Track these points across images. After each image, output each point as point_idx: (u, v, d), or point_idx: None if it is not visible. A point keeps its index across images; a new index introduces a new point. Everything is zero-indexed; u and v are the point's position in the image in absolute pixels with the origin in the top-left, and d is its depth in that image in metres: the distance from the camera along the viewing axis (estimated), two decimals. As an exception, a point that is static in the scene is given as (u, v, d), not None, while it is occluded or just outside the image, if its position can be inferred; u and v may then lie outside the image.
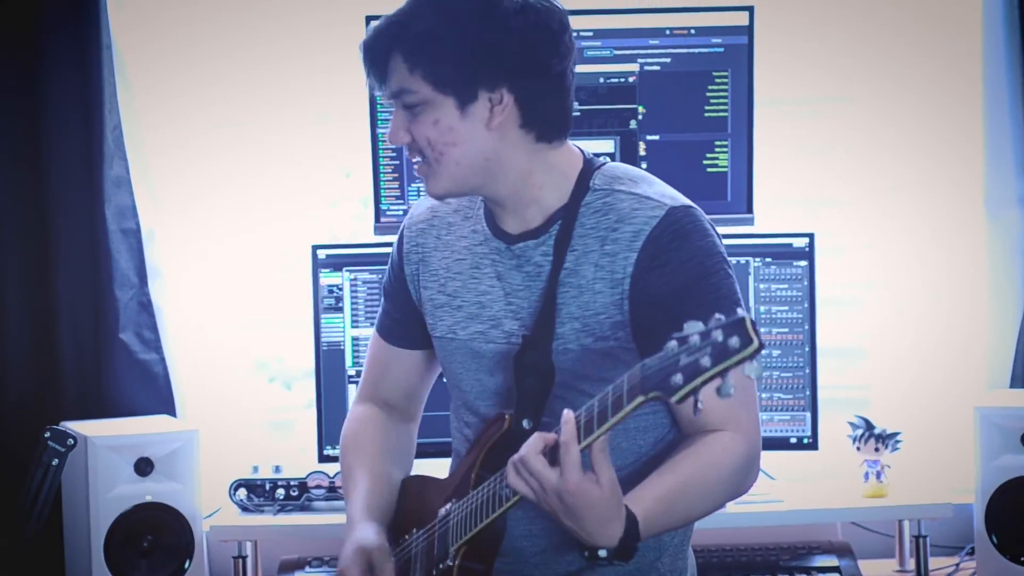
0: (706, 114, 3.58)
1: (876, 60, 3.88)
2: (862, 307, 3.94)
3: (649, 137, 3.58)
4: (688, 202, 2.27)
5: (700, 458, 2.18)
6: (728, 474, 2.21)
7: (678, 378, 1.87)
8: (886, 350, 3.89)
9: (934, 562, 3.53)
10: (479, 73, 2.21)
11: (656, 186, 2.29)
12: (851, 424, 3.60)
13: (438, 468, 2.55)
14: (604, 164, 2.33)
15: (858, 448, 3.58)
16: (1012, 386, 3.75)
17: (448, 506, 2.33)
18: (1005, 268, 3.81)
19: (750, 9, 3.57)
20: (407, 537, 2.43)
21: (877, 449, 3.56)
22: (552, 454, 2.04)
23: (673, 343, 1.89)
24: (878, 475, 3.55)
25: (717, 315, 1.85)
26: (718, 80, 3.58)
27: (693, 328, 1.88)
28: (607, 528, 2.06)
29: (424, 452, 2.66)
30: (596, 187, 2.28)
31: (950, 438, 3.72)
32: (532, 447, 2.05)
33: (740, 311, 1.84)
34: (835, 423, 3.63)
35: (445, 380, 2.49)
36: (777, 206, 3.82)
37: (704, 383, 1.85)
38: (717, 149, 3.59)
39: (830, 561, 3.46)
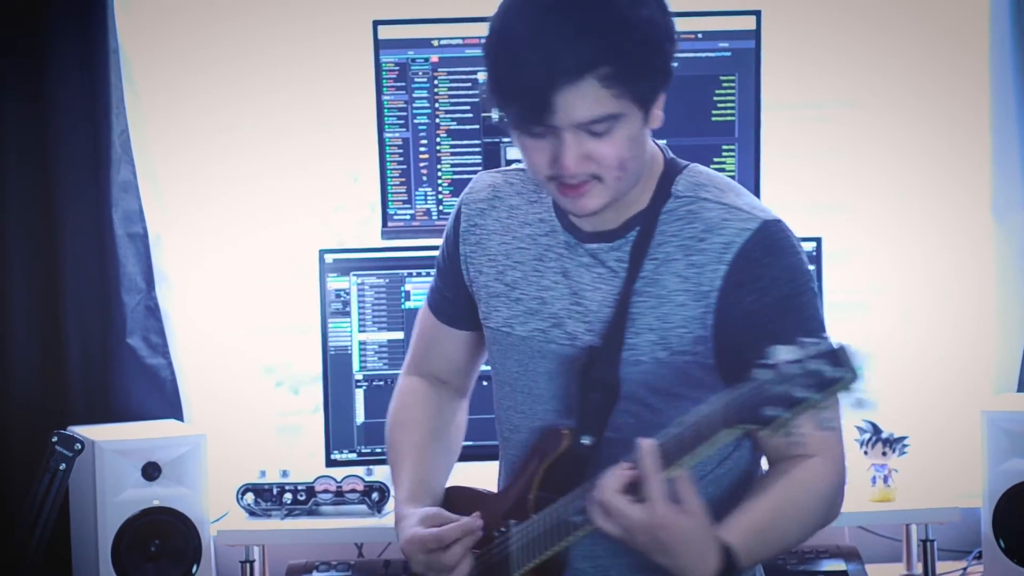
0: (713, 118, 3.58)
1: (883, 64, 3.88)
2: (869, 311, 3.93)
3: (656, 141, 3.56)
4: (778, 216, 2.19)
5: (793, 485, 2.10)
6: (820, 500, 2.14)
7: (770, 409, 1.80)
8: (893, 354, 3.88)
9: (941, 566, 3.53)
10: (666, 80, 2.08)
11: (745, 196, 2.19)
12: (858, 428, 3.60)
13: (480, 471, 2.48)
14: (687, 167, 2.22)
15: (865, 452, 3.58)
16: (1019, 390, 3.74)
17: (505, 529, 2.22)
18: (1012, 272, 3.81)
19: (757, 13, 3.57)
20: None
21: (884, 453, 3.56)
22: (632, 487, 1.95)
23: (764, 372, 1.82)
24: (885, 479, 3.55)
25: (808, 340, 1.79)
26: (725, 84, 3.58)
27: (781, 355, 1.81)
28: (704, 560, 1.96)
29: (465, 456, 2.52)
30: (679, 194, 2.17)
31: (957, 442, 3.72)
32: (611, 487, 1.95)
33: (835, 341, 1.78)
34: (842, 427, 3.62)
35: (493, 375, 2.33)
36: (784, 210, 3.75)
37: (797, 415, 1.79)
38: (724, 153, 3.59)
39: (838, 565, 3.46)
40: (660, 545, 1.94)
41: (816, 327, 2.09)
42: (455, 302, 2.38)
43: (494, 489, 2.38)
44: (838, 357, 1.77)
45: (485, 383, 2.40)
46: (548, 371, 2.23)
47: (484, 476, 2.45)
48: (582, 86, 1.99)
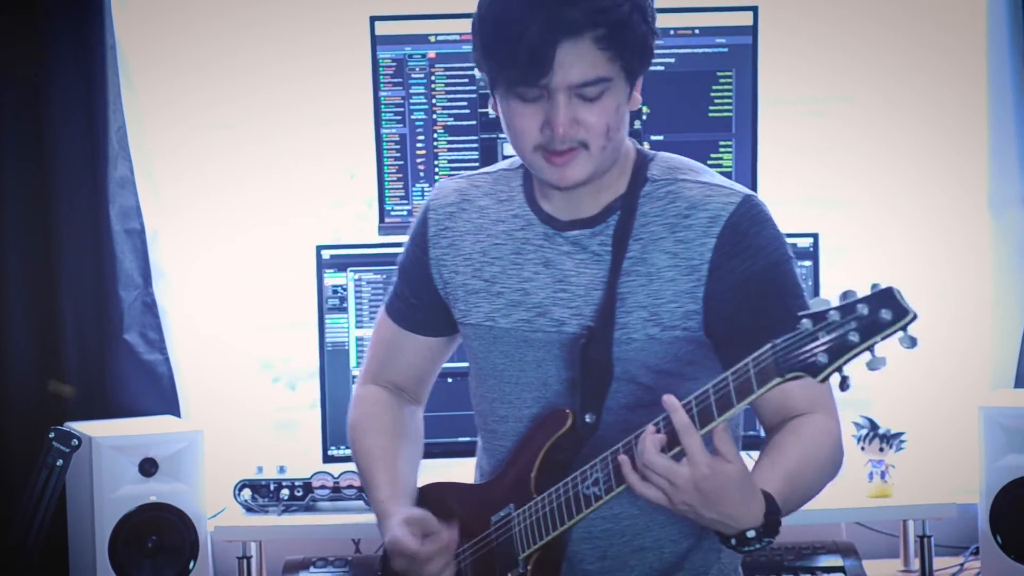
0: (710, 114, 3.59)
1: (880, 60, 3.88)
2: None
3: (653, 137, 3.58)
4: (753, 192, 2.25)
5: (806, 439, 2.13)
6: (830, 454, 2.18)
7: (823, 357, 1.85)
8: (890, 350, 3.87)
9: (938, 562, 3.53)
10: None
11: (718, 176, 2.26)
12: (855, 424, 3.60)
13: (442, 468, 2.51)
14: (656, 154, 2.28)
15: (862, 448, 3.58)
16: (1016, 386, 3.74)
17: (504, 512, 2.26)
18: (1009, 268, 3.81)
19: (754, 9, 3.57)
20: None
21: (881, 449, 3.56)
22: (665, 448, 1.98)
23: (806, 321, 1.86)
24: (882, 475, 3.55)
25: (848, 291, 1.84)
26: (722, 80, 3.58)
27: (823, 305, 1.85)
28: (750, 505, 1.99)
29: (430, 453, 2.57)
30: (655, 177, 2.23)
31: (954, 438, 3.72)
32: (651, 448, 1.97)
33: (882, 284, 1.83)
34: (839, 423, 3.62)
35: (474, 370, 2.37)
36: (781, 206, 3.77)
37: (851, 359, 1.84)
38: (721, 149, 3.59)
39: (835, 561, 3.46)
40: (705, 499, 1.96)
41: (800, 292, 2.17)
42: (421, 308, 2.42)
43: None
44: (891, 299, 1.82)
45: (451, 380, 2.42)
46: (536, 359, 2.27)
47: (449, 474, 2.48)
48: (580, 44, 2.06)
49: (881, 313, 1.82)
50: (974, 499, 3.49)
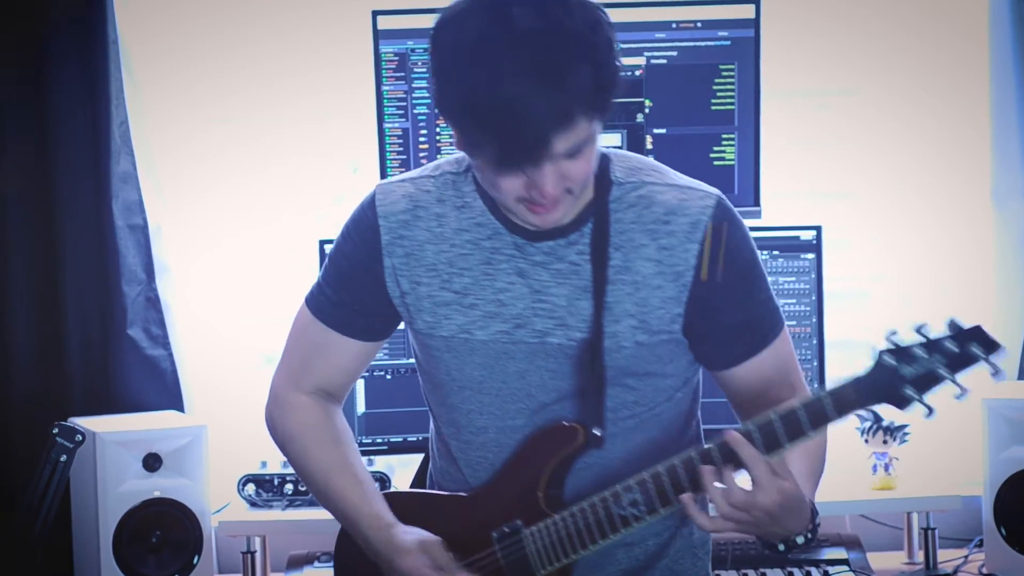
0: (713, 107, 3.59)
1: (882, 52, 3.88)
2: (869, 300, 3.93)
3: (656, 131, 3.58)
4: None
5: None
6: (824, 440, 2.30)
7: (909, 390, 2.05)
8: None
9: (943, 554, 3.53)
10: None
11: (679, 175, 2.29)
12: (859, 416, 3.57)
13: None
14: (613, 152, 2.29)
15: (866, 441, 3.58)
16: (1020, 378, 3.74)
17: (509, 529, 2.25)
18: (1012, 260, 3.81)
19: (756, 2, 3.57)
20: None
21: (885, 442, 3.56)
22: (718, 474, 2.11)
23: (888, 358, 2.05)
24: (886, 468, 3.55)
25: (923, 326, 2.04)
26: (725, 73, 3.58)
27: (898, 340, 2.05)
28: (803, 514, 2.14)
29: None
30: (620, 180, 2.24)
31: (958, 430, 3.71)
32: (733, 488, 2.09)
33: (965, 323, 2.03)
34: (843, 416, 3.62)
35: (442, 381, 2.34)
36: (784, 199, 3.82)
37: (932, 392, 2.05)
38: (724, 142, 3.59)
39: (839, 553, 3.46)
40: (773, 519, 2.09)
41: (768, 284, 2.30)
42: (364, 314, 2.39)
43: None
44: (981, 335, 2.02)
45: (389, 377, 2.42)
46: (518, 370, 2.28)
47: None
48: (572, 125, 2.06)
49: (971, 347, 2.01)
50: (978, 491, 3.49)
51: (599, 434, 2.23)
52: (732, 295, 2.23)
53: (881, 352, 2.05)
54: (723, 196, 2.27)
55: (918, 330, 2.04)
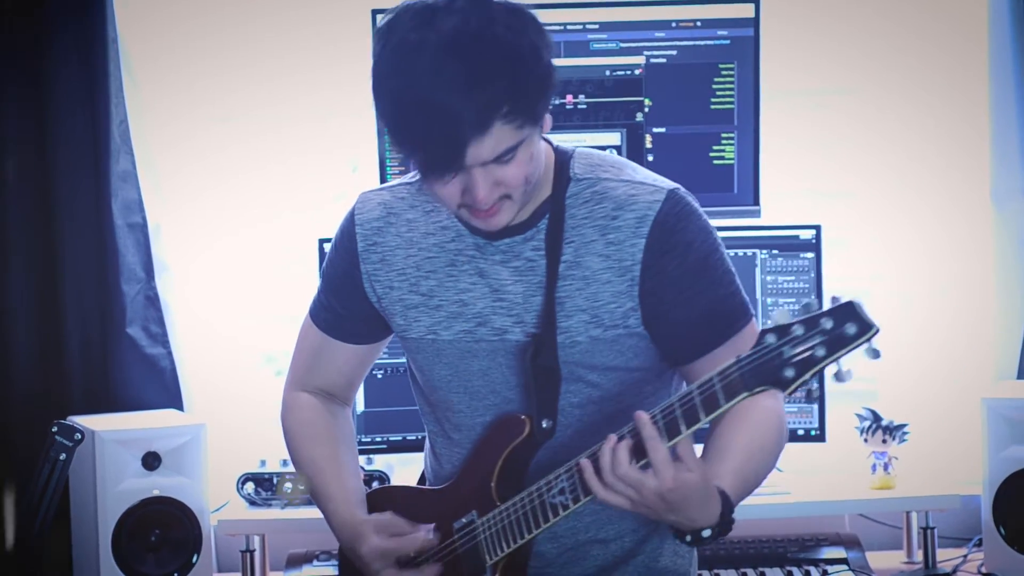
0: (712, 106, 3.58)
1: (882, 52, 3.88)
2: (869, 299, 3.88)
3: (655, 130, 3.57)
4: (676, 184, 2.28)
5: (754, 426, 2.18)
6: (779, 433, 2.23)
7: (789, 372, 1.93)
8: (893, 342, 3.86)
9: (942, 554, 3.53)
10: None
11: (639, 171, 2.29)
12: (858, 416, 3.60)
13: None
14: (574, 150, 2.30)
15: (865, 440, 3.58)
16: (1019, 377, 3.74)
17: (467, 519, 2.30)
18: (1012, 259, 3.81)
19: (756, 1, 3.57)
20: None
21: (884, 441, 3.56)
22: (634, 457, 2.04)
23: (770, 336, 1.94)
24: (885, 467, 3.55)
25: (811, 301, 1.92)
26: (724, 72, 3.58)
27: (786, 318, 1.93)
28: (708, 508, 2.06)
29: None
30: (579, 176, 2.26)
31: (957, 430, 3.72)
32: (622, 459, 2.02)
33: (843, 297, 1.90)
34: (842, 415, 3.63)
35: (420, 382, 2.42)
36: (783, 198, 3.82)
37: (818, 373, 1.91)
38: (723, 141, 3.59)
39: (838, 553, 3.46)
40: (668, 505, 2.03)
41: (732, 279, 2.25)
42: (351, 319, 2.45)
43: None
44: (855, 314, 1.90)
45: (388, 376, 2.43)
46: (481, 368, 2.31)
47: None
48: (490, 131, 2.06)
49: (846, 327, 1.89)
50: (977, 491, 3.48)
51: (546, 425, 2.24)
52: (684, 290, 2.21)
53: (763, 330, 1.95)
54: (679, 190, 2.25)
55: (805, 306, 1.93)
